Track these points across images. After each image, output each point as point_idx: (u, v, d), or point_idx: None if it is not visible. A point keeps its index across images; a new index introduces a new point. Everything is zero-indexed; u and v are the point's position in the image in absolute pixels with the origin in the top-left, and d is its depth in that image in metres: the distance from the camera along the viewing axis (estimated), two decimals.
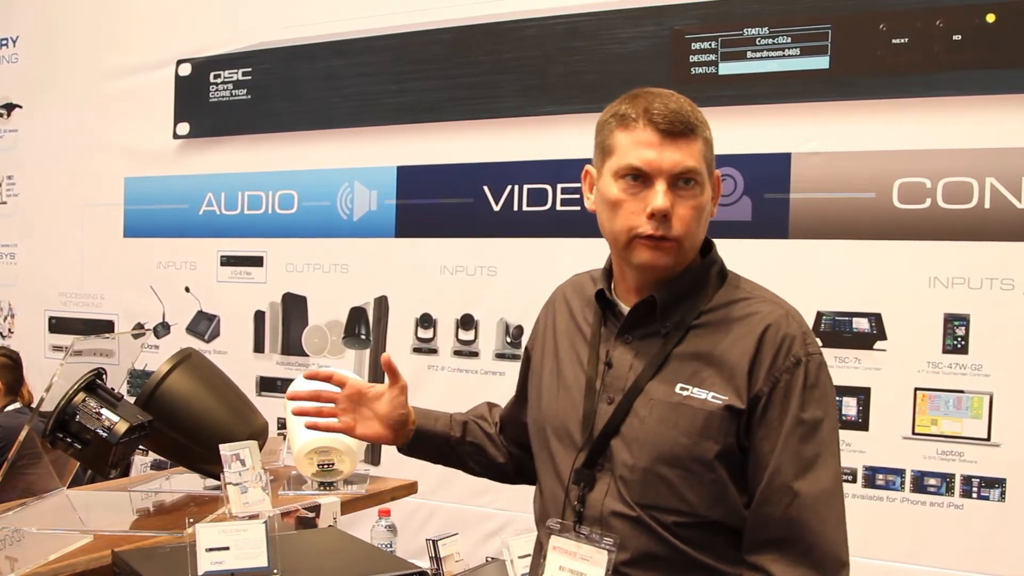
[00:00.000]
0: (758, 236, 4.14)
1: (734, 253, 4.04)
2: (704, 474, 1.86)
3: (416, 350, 4.95)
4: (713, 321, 1.93)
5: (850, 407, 3.97)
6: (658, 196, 1.86)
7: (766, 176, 4.14)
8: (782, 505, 1.84)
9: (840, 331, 3.99)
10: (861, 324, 3.97)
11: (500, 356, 4.73)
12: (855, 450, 3.97)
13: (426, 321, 4.93)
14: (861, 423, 3.97)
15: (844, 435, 3.96)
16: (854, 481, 3.97)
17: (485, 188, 4.77)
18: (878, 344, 3.95)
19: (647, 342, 1.95)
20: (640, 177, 1.88)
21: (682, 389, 1.88)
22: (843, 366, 3.97)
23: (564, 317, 2.14)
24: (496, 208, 4.75)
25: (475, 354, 4.80)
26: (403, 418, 2.31)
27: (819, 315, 4.03)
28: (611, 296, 2.03)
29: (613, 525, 1.90)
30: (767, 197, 4.15)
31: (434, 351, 4.91)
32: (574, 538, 1.92)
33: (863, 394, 3.96)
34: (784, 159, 4.11)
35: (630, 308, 1.97)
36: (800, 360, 1.87)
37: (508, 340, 4.71)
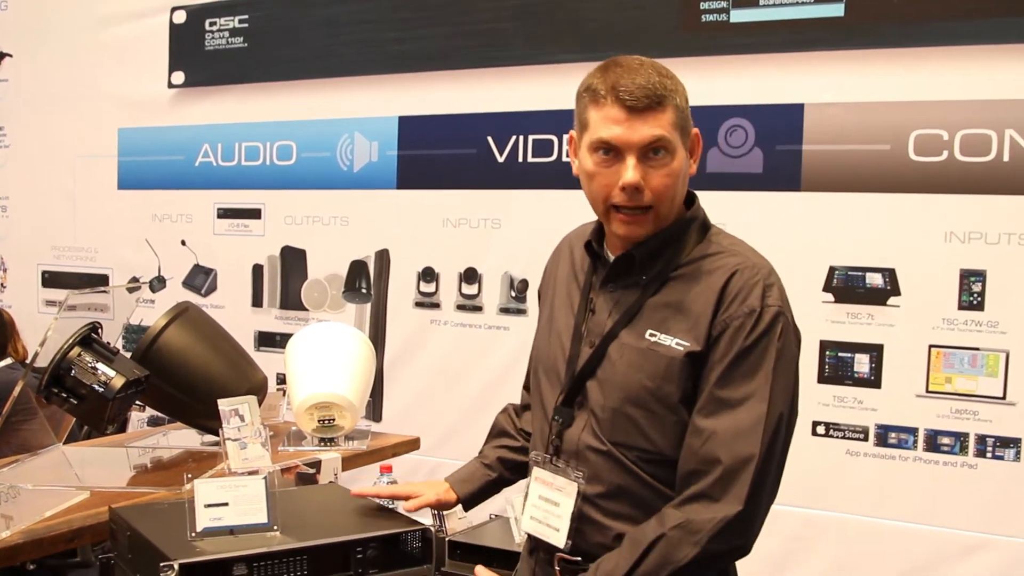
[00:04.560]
0: (769, 189, 4.13)
1: (744, 206, 4.07)
2: (667, 416, 1.99)
3: (418, 304, 4.96)
4: (687, 273, 2.04)
5: (863, 364, 3.98)
6: (628, 170, 1.96)
7: (778, 127, 4.12)
8: (700, 439, 1.95)
9: (853, 286, 3.99)
10: (875, 279, 3.97)
11: (504, 311, 4.74)
12: (867, 408, 3.98)
13: (428, 275, 4.93)
14: (874, 380, 3.97)
15: (857, 392, 3.98)
16: (866, 439, 3.98)
17: (489, 139, 4.76)
18: (892, 300, 3.95)
19: (627, 292, 2.07)
20: (611, 151, 1.98)
21: (651, 335, 2.01)
22: (856, 322, 3.98)
23: (566, 265, 2.25)
24: (500, 159, 4.74)
25: (479, 309, 4.81)
26: (448, 500, 2.40)
27: (831, 270, 4.03)
28: (598, 248, 2.15)
29: (588, 458, 2.05)
30: (779, 149, 4.13)
31: (437, 306, 4.91)
32: (551, 470, 2.09)
33: (876, 351, 3.97)
34: (797, 110, 4.09)
35: (613, 260, 2.10)
36: (755, 310, 1.96)
37: (513, 294, 4.71)
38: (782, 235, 4.00)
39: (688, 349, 1.97)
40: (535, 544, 2.17)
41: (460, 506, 2.41)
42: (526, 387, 2.49)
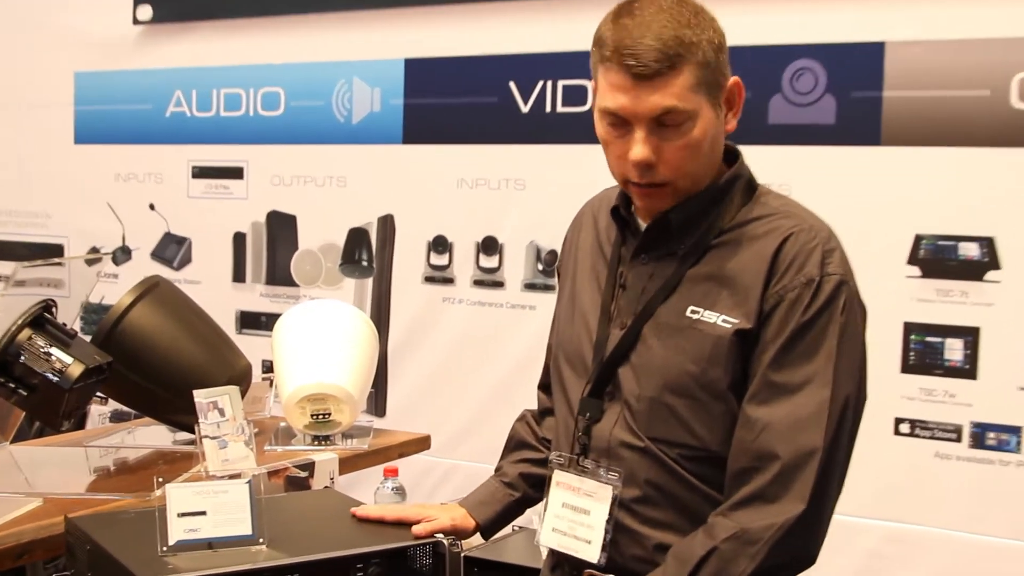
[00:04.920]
0: (843, 143, 4.10)
1: (813, 163, 4.06)
2: (713, 405, 2.00)
3: (428, 279, 4.96)
4: (732, 240, 2.05)
5: (955, 351, 3.96)
6: (636, 145, 1.98)
7: (854, 70, 4.10)
8: (753, 432, 1.95)
9: (943, 258, 3.97)
10: (969, 250, 3.94)
11: (530, 287, 4.74)
12: (960, 403, 3.96)
13: (440, 245, 4.93)
14: (968, 370, 3.95)
15: (948, 384, 3.96)
16: (959, 440, 3.96)
17: (512, 85, 4.76)
18: (990, 274, 3.92)
19: (663, 263, 2.09)
20: (620, 120, 1.99)
21: (692, 312, 2.02)
22: (946, 301, 3.96)
23: (589, 235, 2.27)
24: (525, 109, 4.74)
25: (499, 284, 4.81)
26: (465, 528, 2.39)
27: (917, 239, 4.00)
28: (626, 214, 2.15)
29: (621, 456, 2.06)
30: (855, 96, 4.11)
31: (450, 281, 4.92)
32: (577, 472, 2.09)
33: (971, 335, 3.95)
34: (876, 50, 4.06)
35: (646, 227, 2.11)
36: (813, 279, 1.96)
37: (540, 267, 4.71)
38: (858, 198, 3.98)
39: (736, 326, 1.98)
40: (558, 559, 2.18)
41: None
42: (542, 386, 2.50)
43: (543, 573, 2.30)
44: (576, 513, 2.09)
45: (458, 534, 2.35)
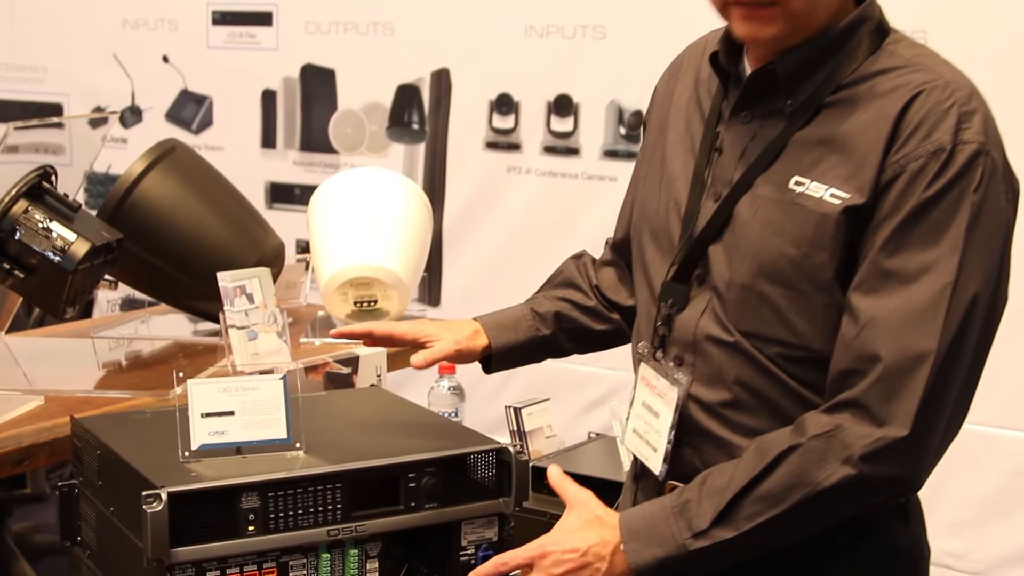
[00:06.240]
0: None
1: (958, 5, 3.97)
2: (816, 296, 1.95)
3: (491, 145, 4.96)
4: (851, 97, 1.97)
5: None
6: None
7: None
8: (855, 327, 1.90)
9: None
10: None
11: (610, 154, 4.73)
12: None
13: (505, 104, 4.92)
14: None
15: None
16: None
17: None
18: None
19: (769, 123, 2.03)
20: None
21: (797, 184, 1.97)
22: None
23: (687, 86, 2.21)
24: None
25: (574, 151, 4.80)
26: (472, 349, 2.37)
27: None
28: (727, 61, 2.09)
29: (708, 352, 2.03)
30: None
31: (516, 147, 4.91)
32: (655, 367, 2.10)
33: None
34: None
35: (747, 77, 2.05)
36: (943, 147, 1.87)
37: (622, 132, 4.69)
38: (1012, 49, 3.91)
39: (846, 203, 1.91)
40: (641, 467, 2.18)
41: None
42: (610, 243, 2.47)
43: (626, 482, 2.31)
44: (650, 415, 2.10)
45: (462, 359, 2.36)
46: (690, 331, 2.05)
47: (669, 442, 2.04)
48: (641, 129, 2.36)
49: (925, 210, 1.87)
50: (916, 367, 1.85)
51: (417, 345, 2.32)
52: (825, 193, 1.93)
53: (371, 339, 2.35)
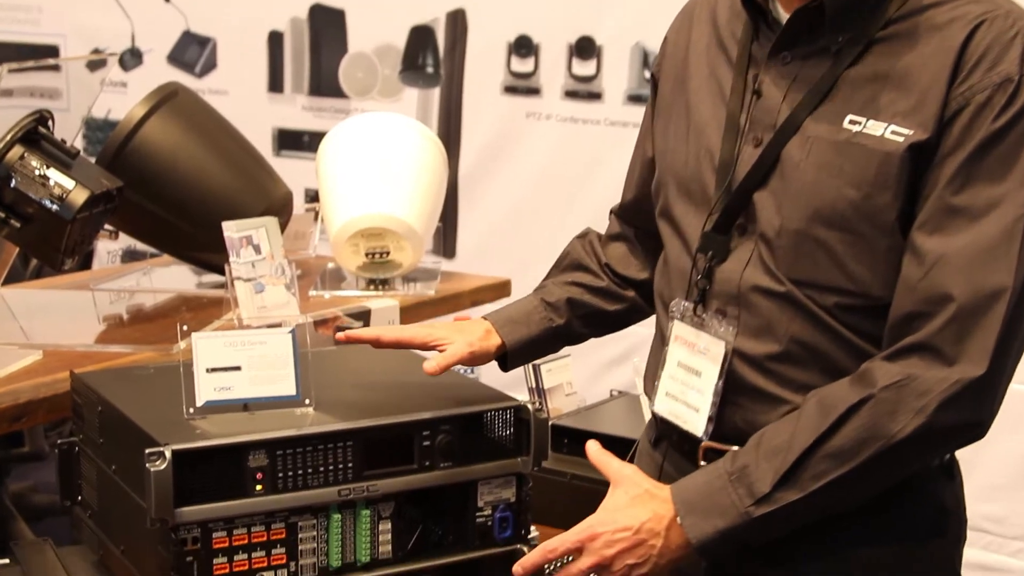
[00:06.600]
0: None
1: None
2: (878, 240, 1.95)
3: (509, 90, 4.95)
4: (904, 32, 1.97)
5: None
6: None
7: None
8: (922, 267, 1.90)
9: None
10: None
11: (634, 99, 4.73)
12: None
13: (524, 47, 4.91)
14: None
15: None
16: None
17: None
18: None
19: (811, 63, 2.02)
20: None
21: (852, 123, 1.96)
22: None
23: (705, 32, 2.21)
24: None
25: (596, 96, 4.80)
26: (486, 350, 2.37)
27: None
28: (761, 1, 2.07)
29: (755, 304, 2.03)
30: None
31: (535, 91, 4.91)
32: (693, 324, 2.09)
33: None
34: None
35: (788, 16, 2.03)
36: (1010, 77, 1.89)
37: (647, 75, 4.68)
38: None
39: (910, 139, 1.91)
40: (662, 431, 2.20)
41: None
42: (616, 212, 2.48)
43: (641, 446, 2.32)
44: (689, 375, 2.08)
45: (476, 361, 2.35)
46: (734, 283, 2.05)
47: (715, 400, 2.04)
48: (651, 84, 2.34)
49: (992, 143, 1.88)
50: (992, 304, 1.86)
51: (428, 349, 2.31)
52: (886, 131, 1.93)
53: (379, 344, 2.34)
